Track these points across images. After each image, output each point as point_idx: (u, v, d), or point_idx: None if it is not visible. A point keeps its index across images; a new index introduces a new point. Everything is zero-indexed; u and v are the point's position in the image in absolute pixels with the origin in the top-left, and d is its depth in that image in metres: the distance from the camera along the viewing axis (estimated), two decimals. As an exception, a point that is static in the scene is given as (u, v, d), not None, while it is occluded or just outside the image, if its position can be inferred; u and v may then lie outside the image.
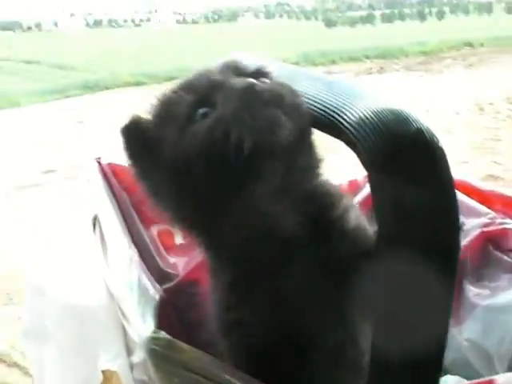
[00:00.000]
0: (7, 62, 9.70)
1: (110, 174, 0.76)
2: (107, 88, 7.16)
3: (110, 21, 18.04)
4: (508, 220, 0.74)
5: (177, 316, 0.56)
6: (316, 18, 17.02)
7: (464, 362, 0.61)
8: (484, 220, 0.76)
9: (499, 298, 0.73)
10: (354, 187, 0.86)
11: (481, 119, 4.98)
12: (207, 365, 0.46)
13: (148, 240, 0.76)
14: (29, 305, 0.62)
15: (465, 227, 0.79)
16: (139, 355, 0.46)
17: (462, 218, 0.79)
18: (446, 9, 16.05)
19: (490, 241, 0.76)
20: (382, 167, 0.44)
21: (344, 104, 0.47)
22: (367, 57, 9.20)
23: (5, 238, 2.52)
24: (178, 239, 0.78)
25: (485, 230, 0.75)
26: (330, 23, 15.43)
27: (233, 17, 18.83)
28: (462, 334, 0.76)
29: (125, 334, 0.49)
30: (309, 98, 0.52)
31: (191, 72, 0.63)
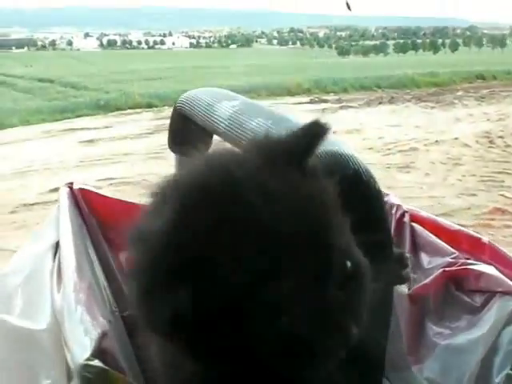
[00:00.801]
0: (20, 80, 9.82)
1: (80, 199, 0.77)
2: (118, 109, 7.22)
3: (123, 42, 18.28)
4: (471, 260, 0.75)
5: (124, 346, 0.56)
6: (329, 46, 17.18)
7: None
8: (448, 259, 0.76)
9: (458, 338, 0.73)
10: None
11: (490, 152, 4.98)
12: None
13: (114, 265, 0.77)
14: None
15: (429, 266, 0.79)
16: (73, 377, 0.48)
17: (427, 257, 0.81)
18: (460, 41, 16.12)
19: (452, 280, 0.75)
20: None
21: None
22: (378, 86, 9.23)
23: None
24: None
25: (447, 269, 0.75)
26: (342, 51, 15.55)
27: (246, 42, 19.02)
28: (422, 373, 0.75)
29: (67, 363, 0.50)
30: (253, 134, 0.53)
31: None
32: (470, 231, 0.78)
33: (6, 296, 0.61)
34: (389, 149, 5.03)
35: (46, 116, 6.88)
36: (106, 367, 0.44)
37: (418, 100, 8.01)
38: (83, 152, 4.89)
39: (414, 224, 0.83)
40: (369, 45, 16.24)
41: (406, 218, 0.83)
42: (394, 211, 0.84)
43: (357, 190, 0.45)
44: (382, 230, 0.46)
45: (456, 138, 5.38)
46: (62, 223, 0.67)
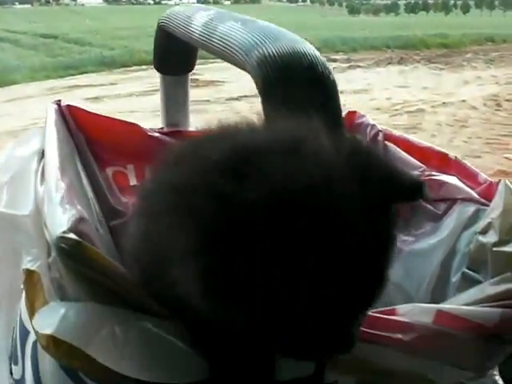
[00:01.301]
0: (24, 36, 9.78)
1: (68, 116, 0.80)
2: (123, 65, 7.22)
3: (129, -4, 18.11)
4: (435, 172, 0.79)
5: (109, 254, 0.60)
6: (339, 5, 16.98)
7: (389, 304, 0.66)
8: (415, 173, 0.81)
9: (421, 243, 0.78)
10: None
11: (497, 115, 4.98)
12: (113, 272, 0.51)
13: (101, 180, 0.81)
14: None
15: None
16: (52, 255, 0.52)
17: None
18: (472, 2, 15.90)
19: None
20: (273, 95, 0.49)
21: (253, 40, 0.52)
22: (388, 46, 9.18)
23: None
24: (133, 181, 0.83)
25: None
26: (353, 10, 15.38)
27: (256, -1, 18.82)
28: (390, 279, 0.80)
29: (47, 241, 0.55)
30: (223, 36, 0.57)
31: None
32: (439, 148, 0.82)
33: None
34: (396, 109, 5.03)
35: (49, 73, 6.86)
36: (81, 240, 0.49)
37: (427, 61, 7.97)
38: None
39: (387, 142, 0.87)
40: (380, 4, 16.05)
41: (380, 137, 0.88)
42: (368, 130, 0.89)
43: (310, 79, 0.49)
44: (335, 120, 0.49)
45: (463, 101, 5.38)
46: (48, 134, 0.70)
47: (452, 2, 15.43)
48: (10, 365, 0.69)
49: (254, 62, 0.50)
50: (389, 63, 8.00)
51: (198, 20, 0.65)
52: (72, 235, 0.49)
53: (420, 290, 0.74)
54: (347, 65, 7.65)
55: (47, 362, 0.55)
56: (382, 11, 14.92)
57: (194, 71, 0.87)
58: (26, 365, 0.60)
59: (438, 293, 0.71)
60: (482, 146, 3.91)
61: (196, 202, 0.40)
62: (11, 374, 0.69)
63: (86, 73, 6.99)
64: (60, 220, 0.51)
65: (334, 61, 7.78)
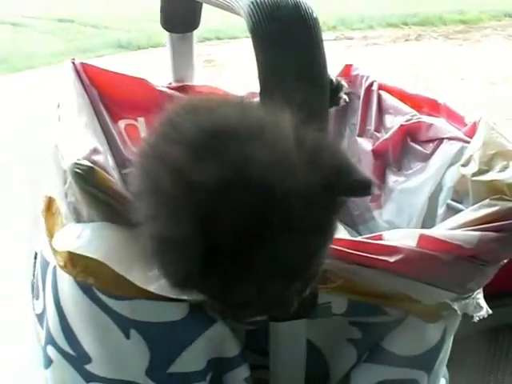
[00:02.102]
0: (40, 21, 9.82)
1: (82, 73, 0.86)
2: (140, 48, 7.23)
3: (146, -19, 18.06)
4: (424, 116, 0.84)
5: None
6: (356, -17, 16.79)
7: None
8: (407, 117, 0.85)
9: (411, 181, 0.83)
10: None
11: (515, 91, 4.93)
12: (119, 194, 0.56)
13: (114, 132, 0.87)
14: None
15: (391, 125, 0.89)
16: (68, 181, 0.58)
17: (390, 118, 0.90)
18: (490, -24, 15.60)
19: (408, 133, 0.85)
20: (262, 33, 0.52)
21: None
22: (405, 23, 9.06)
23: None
24: (144, 133, 0.89)
25: (403, 123, 0.85)
26: (369, -12, 15.20)
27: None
28: (382, 217, 0.86)
29: (64, 172, 0.59)
30: None
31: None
32: (430, 96, 0.87)
33: (20, 133, 0.73)
34: (414, 87, 4.99)
35: (66, 57, 6.88)
36: (93, 165, 0.55)
37: (445, 38, 7.87)
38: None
39: (381, 91, 0.92)
40: (396, -18, 15.84)
41: (375, 87, 0.93)
42: (363, 81, 0.94)
43: (295, 18, 0.54)
44: (316, 54, 0.54)
45: (482, 76, 5.32)
46: (64, 88, 0.77)
47: (470, -23, 15.16)
48: (33, 301, 0.76)
49: (246, 6, 0.55)
50: (406, 40, 7.93)
51: None
52: (85, 161, 0.55)
53: (410, 224, 0.79)
54: (364, 42, 7.58)
55: (65, 284, 0.60)
56: (399, -12, 14.69)
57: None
58: (47, 295, 0.65)
59: (427, 225, 0.76)
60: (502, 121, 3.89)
61: (158, 170, 0.46)
62: (33, 309, 0.75)
63: (102, 56, 7.02)
64: (75, 150, 0.57)
65: (351, 39, 7.72)
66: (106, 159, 0.60)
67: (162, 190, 0.46)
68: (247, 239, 0.44)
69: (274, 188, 0.44)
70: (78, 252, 0.55)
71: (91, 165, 0.55)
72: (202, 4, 0.85)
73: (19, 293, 0.74)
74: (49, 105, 0.77)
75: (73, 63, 0.86)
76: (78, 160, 0.55)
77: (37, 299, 0.74)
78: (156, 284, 0.55)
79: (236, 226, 0.43)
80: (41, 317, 0.71)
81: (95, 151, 0.58)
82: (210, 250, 0.43)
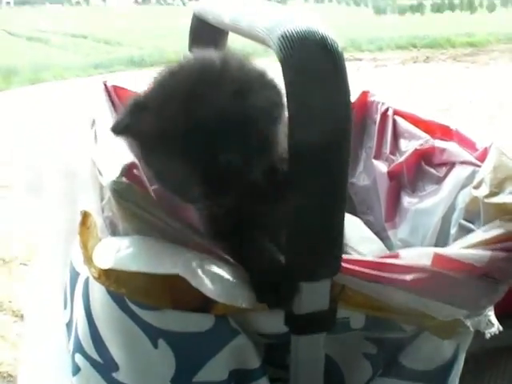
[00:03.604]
0: (54, 35, 9.89)
1: (113, 93, 0.91)
2: (152, 64, 7.29)
3: (158, -3, 18.21)
4: (437, 141, 0.88)
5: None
6: (365, 5, 16.89)
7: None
8: (421, 142, 0.90)
9: (425, 202, 0.86)
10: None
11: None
12: (160, 212, 0.61)
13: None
14: (31, 168, 0.79)
15: (406, 149, 0.93)
16: (106, 196, 0.62)
17: (405, 142, 0.95)
18: (497, 1, 15.69)
19: (422, 157, 0.89)
20: (291, 64, 0.57)
21: (275, 20, 0.60)
22: (414, 45, 9.11)
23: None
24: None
25: (418, 147, 0.90)
26: (379, 10, 15.32)
27: (282, -2, 18.75)
28: (396, 236, 0.90)
29: (100, 187, 0.64)
30: (251, 18, 0.65)
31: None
32: (442, 121, 0.91)
33: (55, 148, 0.77)
34: (423, 108, 5.02)
35: (79, 72, 6.96)
36: (131, 183, 0.59)
37: (454, 60, 7.91)
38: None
39: (396, 117, 0.97)
40: (405, 4, 15.92)
41: (390, 112, 0.97)
42: (379, 106, 0.99)
43: (321, 51, 0.58)
44: (342, 87, 0.58)
45: (490, 98, 5.35)
46: (98, 107, 0.81)
47: (478, 1, 15.24)
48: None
49: (276, 38, 0.59)
50: (414, 62, 7.96)
51: (228, 6, 0.74)
52: (124, 179, 0.59)
53: (424, 243, 0.83)
54: (373, 64, 7.62)
55: (97, 294, 0.63)
56: (408, 11, 14.79)
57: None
58: (77, 304, 0.68)
59: (440, 243, 0.80)
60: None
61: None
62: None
63: (115, 71, 7.08)
64: (114, 166, 0.61)
65: (360, 60, 7.77)
66: (141, 173, 0.64)
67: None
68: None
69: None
70: (118, 268, 0.59)
71: (129, 182, 0.59)
72: (227, 34, 0.89)
73: (52, 303, 0.77)
74: (67, 118, 0.81)
75: (104, 85, 0.91)
76: (117, 178, 0.59)
77: (64, 309, 0.77)
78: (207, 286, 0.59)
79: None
80: (68, 326, 0.74)
81: (133, 165, 0.62)
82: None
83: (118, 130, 0.63)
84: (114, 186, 0.59)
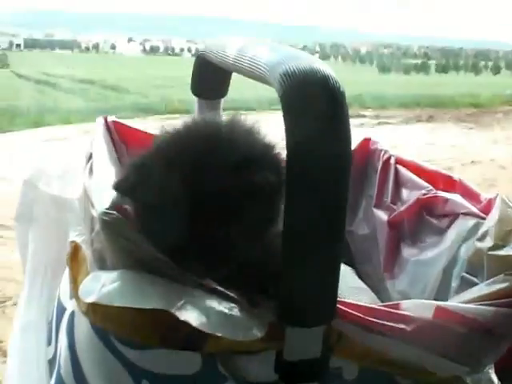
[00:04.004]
0: (63, 80, 10.07)
1: (112, 129, 0.91)
2: (158, 113, 7.39)
3: (166, 48, 18.58)
4: (440, 192, 0.87)
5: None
6: (371, 63, 17.22)
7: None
8: (423, 192, 0.88)
9: (425, 254, 0.85)
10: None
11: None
12: (141, 245, 0.58)
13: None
14: (22, 196, 0.78)
15: (407, 198, 0.91)
16: (95, 228, 0.60)
17: (406, 192, 0.94)
18: (502, 63, 16.00)
19: (424, 207, 0.88)
20: (291, 103, 0.55)
21: (277, 59, 0.59)
22: (418, 104, 9.25)
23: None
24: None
25: (420, 197, 0.88)
26: (384, 69, 15.60)
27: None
28: (395, 287, 0.88)
29: (92, 220, 0.62)
30: (253, 57, 0.64)
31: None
32: (445, 172, 0.90)
33: (48, 177, 0.76)
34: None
35: (85, 116, 7.04)
36: (120, 215, 0.57)
37: (457, 120, 8.00)
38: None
39: (398, 166, 0.96)
40: (410, 63, 16.24)
41: (392, 161, 0.96)
42: (381, 154, 0.98)
43: (323, 91, 0.57)
44: (343, 129, 0.58)
45: (492, 160, 5.38)
46: (96, 142, 0.80)
47: (482, 63, 15.54)
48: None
49: (277, 77, 0.58)
50: (418, 121, 8.04)
51: (232, 46, 0.74)
52: (113, 211, 0.58)
53: (424, 296, 0.80)
54: (376, 121, 7.70)
55: (82, 329, 0.61)
56: (413, 70, 15.08)
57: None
58: (61, 340, 0.65)
59: (440, 297, 0.77)
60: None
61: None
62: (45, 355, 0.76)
63: (121, 118, 7.14)
64: (104, 199, 0.60)
65: (364, 117, 7.85)
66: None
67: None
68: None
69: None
70: (103, 303, 0.57)
71: (118, 214, 0.57)
72: (230, 75, 0.89)
73: (36, 339, 0.75)
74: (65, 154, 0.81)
75: (105, 119, 0.90)
76: (107, 209, 0.57)
77: (49, 345, 0.74)
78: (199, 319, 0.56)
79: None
80: (51, 363, 0.71)
81: (125, 200, 0.61)
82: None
83: (121, 189, 0.62)
84: (104, 216, 0.57)
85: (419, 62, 16.30)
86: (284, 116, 0.57)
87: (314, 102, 0.56)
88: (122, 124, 0.92)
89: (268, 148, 0.67)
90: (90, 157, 0.77)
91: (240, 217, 0.62)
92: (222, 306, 0.58)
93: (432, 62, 16.08)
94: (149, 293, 0.57)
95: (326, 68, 0.58)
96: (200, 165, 0.61)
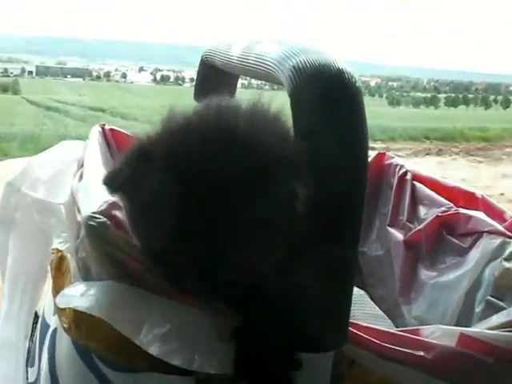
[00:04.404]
0: (73, 107, 10.15)
1: (110, 137, 0.86)
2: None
3: (176, 78, 18.74)
4: (461, 209, 0.81)
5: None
6: (380, 96, 17.27)
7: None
8: (442, 209, 0.82)
9: (445, 276, 0.78)
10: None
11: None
12: (131, 253, 0.51)
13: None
14: (3, 199, 0.72)
15: (425, 216, 0.85)
16: (81, 235, 0.55)
17: (424, 209, 0.87)
18: (512, 97, 16.01)
19: (444, 225, 0.81)
20: (301, 98, 0.50)
21: (286, 53, 0.54)
22: (427, 137, 9.23)
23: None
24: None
25: (439, 214, 0.82)
26: (393, 102, 15.66)
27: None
28: (411, 313, 0.81)
29: (78, 226, 0.57)
30: (259, 54, 0.58)
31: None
32: (466, 187, 0.84)
33: (33, 180, 0.70)
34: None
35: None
36: (108, 221, 0.51)
37: (466, 154, 7.96)
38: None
39: (414, 182, 0.90)
40: (420, 97, 16.30)
41: (408, 176, 0.90)
42: (397, 170, 0.92)
43: (337, 86, 0.51)
44: (360, 125, 0.52)
45: (502, 194, 5.33)
46: (90, 149, 0.75)
47: (492, 97, 15.57)
48: (27, 368, 0.71)
49: (287, 72, 0.52)
50: (427, 154, 8.00)
51: (236, 47, 0.69)
52: (100, 216, 0.52)
53: (443, 322, 0.73)
54: (385, 154, 7.65)
55: (63, 349, 0.56)
56: (422, 103, 15.13)
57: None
58: (43, 360, 0.61)
59: (462, 323, 0.71)
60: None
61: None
62: (27, 379, 0.70)
63: (127, 144, 7.16)
64: (92, 203, 0.53)
65: (373, 149, 7.78)
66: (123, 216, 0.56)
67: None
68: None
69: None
70: (81, 310, 0.51)
71: (106, 220, 0.51)
72: (237, 79, 0.83)
73: (15, 357, 0.69)
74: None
75: (102, 128, 0.86)
76: (94, 213, 0.51)
77: (31, 366, 0.69)
78: (159, 348, 0.49)
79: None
80: None
81: (114, 205, 0.54)
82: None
83: (112, 183, 0.52)
84: (89, 220, 0.51)
85: (429, 95, 16.35)
86: (293, 116, 0.52)
87: (326, 99, 0.51)
88: (120, 131, 0.87)
89: (295, 147, 0.53)
90: (83, 164, 0.72)
91: (246, 233, 0.50)
92: (200, 333, 0.51)
93: (441, 96, 16.13)
94: (123, 311, 0.51)
95: (340, 61, 0.52)
96: (204, 169, 0.50)
